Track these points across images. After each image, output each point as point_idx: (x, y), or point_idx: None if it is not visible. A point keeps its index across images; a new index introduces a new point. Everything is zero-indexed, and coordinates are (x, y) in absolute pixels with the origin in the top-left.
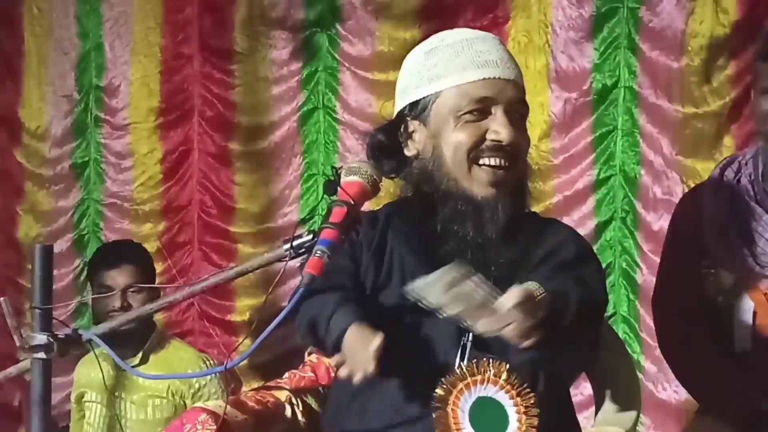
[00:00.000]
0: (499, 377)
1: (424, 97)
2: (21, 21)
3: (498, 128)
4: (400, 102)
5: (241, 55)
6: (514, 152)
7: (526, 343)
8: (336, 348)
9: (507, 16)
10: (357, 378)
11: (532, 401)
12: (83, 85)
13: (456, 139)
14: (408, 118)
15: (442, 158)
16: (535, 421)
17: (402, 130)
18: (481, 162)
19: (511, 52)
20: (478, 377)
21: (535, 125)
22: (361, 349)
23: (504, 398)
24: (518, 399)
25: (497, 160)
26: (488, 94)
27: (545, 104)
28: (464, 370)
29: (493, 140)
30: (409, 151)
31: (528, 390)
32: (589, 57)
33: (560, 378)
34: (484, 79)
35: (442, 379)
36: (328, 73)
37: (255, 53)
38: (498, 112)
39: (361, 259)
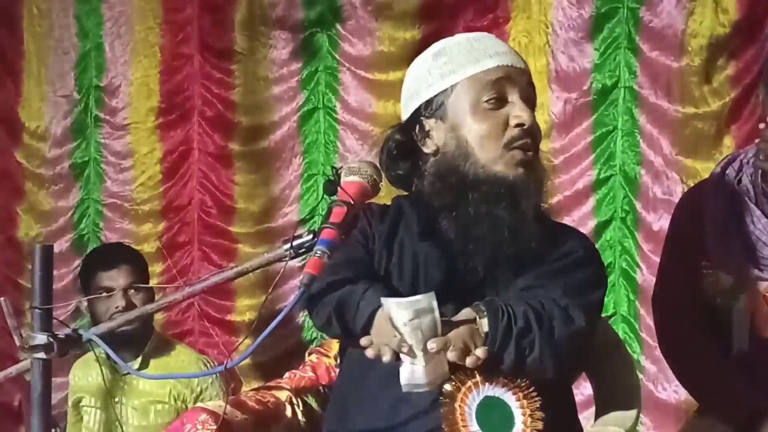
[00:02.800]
0: (508, 378)
1: (437, 95)
2: (21, 21)
3: (519, 113)
4: (412, 104)
5: (241, 55)
6: (535, 137)
7: (470, 361)
8: (365, 330)
9: (507, 17)
10: (386, 358)
11: (538, 404)
12: (83, 85)
13: (480, 128)
14: (422, 119)
15: (469, 148)
16: (540, 425)
17: (417, 130)
18: (510, 146)
19: None
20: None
21: None
22: (389, 329)
23: (511, 399)
24: (524, 401)
25: (524, 142)
26: (504, 76)
27: (545, 104)
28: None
29: (517, 124)
30: (428, 149)
31: (534, 393)
32: (589, 57)
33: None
34: (498, 66)
35: (452, 375)
36: (328, 73)
37: (255, 53)
38: (515, 98)
39: (374, 250)
